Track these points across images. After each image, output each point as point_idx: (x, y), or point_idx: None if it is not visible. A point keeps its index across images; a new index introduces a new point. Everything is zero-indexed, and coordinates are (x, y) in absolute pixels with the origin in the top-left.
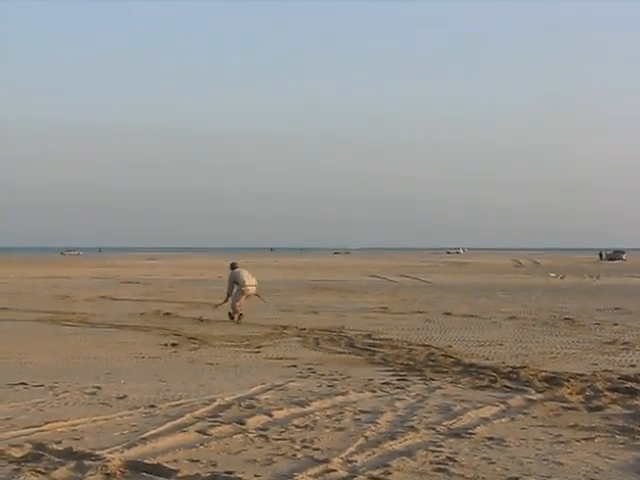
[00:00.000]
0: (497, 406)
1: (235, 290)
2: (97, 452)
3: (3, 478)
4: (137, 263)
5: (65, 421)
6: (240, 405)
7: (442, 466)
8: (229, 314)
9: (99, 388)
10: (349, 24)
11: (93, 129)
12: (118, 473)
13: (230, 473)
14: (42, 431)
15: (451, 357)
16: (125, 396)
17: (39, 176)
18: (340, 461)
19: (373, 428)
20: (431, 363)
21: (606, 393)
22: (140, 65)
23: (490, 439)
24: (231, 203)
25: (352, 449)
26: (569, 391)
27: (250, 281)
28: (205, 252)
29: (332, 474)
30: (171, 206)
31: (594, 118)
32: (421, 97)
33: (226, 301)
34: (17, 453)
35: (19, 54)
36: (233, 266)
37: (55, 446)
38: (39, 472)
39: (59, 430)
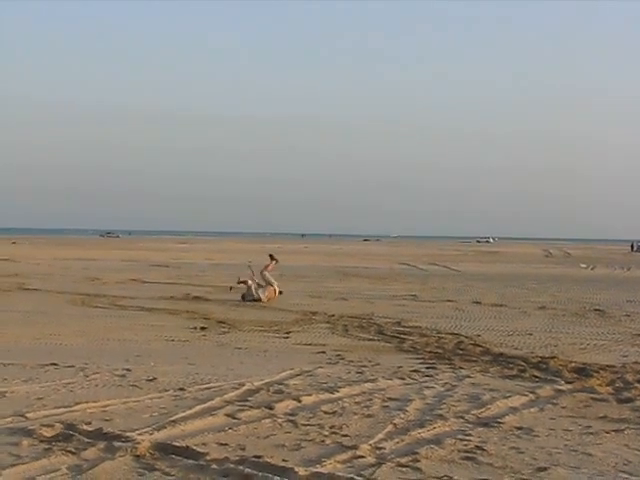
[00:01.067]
0: (526, 396)
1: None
2: (127, 433)
3: (35, 457)
4: (168, 247)
5: (95, 402)
6: (269, 390)
7: (470, 455)
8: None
9: (129, 370)
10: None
11: (125, 113)
12: (147, 455)
13: (259, 457)
14: (72, 412)
15: (480, 346)
16: (155, 378)
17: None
18: (368, 448)
19: (402, 416)
20: (460, 352)
21: (636, 385)
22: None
23: (519, 429)
24: (263, 188)
25: (380, 436)
26: (598, 382)
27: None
28: (236, 237)
29: (360, 460)
30: (203, 190)
31: (626, 110)
32: (446, 85)
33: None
34: (48, 433)
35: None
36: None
37: (85, 427)
38: (69, 452)
39: (89, 411)
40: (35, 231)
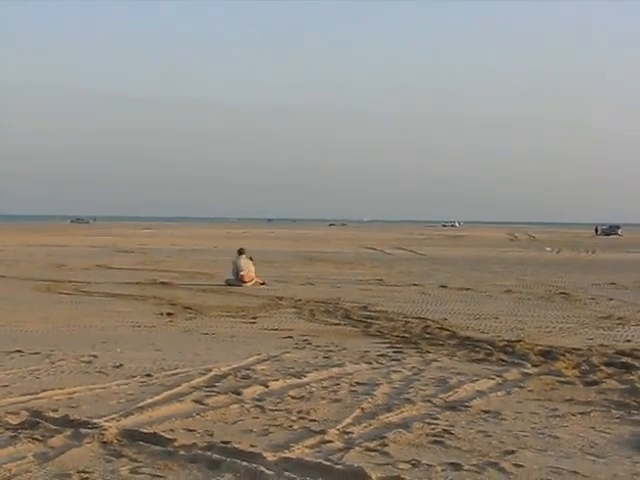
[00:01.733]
0: (493, 379)
1: (234, 277)
2: (94, 420)
3: (0, 445)
4: (133, 232)
5: (62, 389)
6: (236, 375)
7: (438, 438)
8: (226, 281)
9: (95, 356)
10: None
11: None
12: (115, 441)
13: (226, 443)
14: (39, 399)
15: (447, 330)
16: (121, 365)
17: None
18: (336, 432)
19: (369, 400)
20: (427, 336)
21: (602, 368)
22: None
23: (486, 412)
24: (229, 172)
25: (348, 421)
26: (565, 365)
27: (247, 276)
28: (202, 222)
29: (328, 445)
30: (169, 176)
31: (600, 94)
32: (425, 68)
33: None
34: (14, 420)
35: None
36: (239, 252)
37: (52, 414)
38: (36, 439)
39: (55, 398)
40: (1, 217)
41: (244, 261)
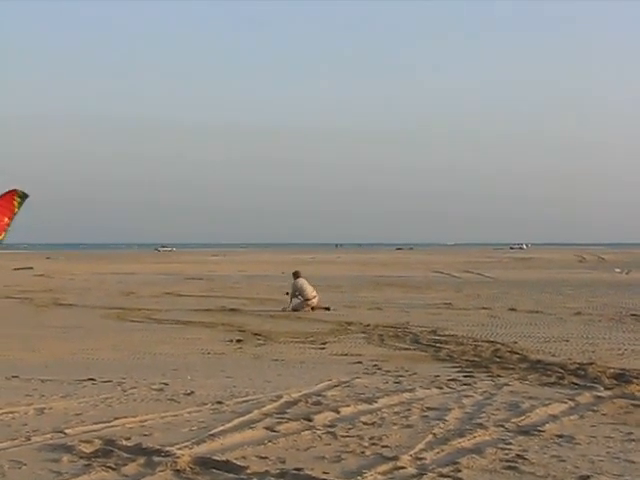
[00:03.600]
0: (565, 403)
1: (299, 301)
2: (166, 448)
3: (74, 473)
4: (201, 259)
5: (134, 417)
6: (307, 401)
7: (512, 464)
8: (292, 307)
9: (166, 384)
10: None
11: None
12: (188, 469)
13: (299, 470)
14: (111, 427)
15: (517, 353)
16: (192, 392)
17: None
18: (409, 458)
19: (441, 425)
20: (497, 359)
21: None
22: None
23: (559, 437)
24: (294, 198)
25: (421, 446)
26: (638, 388)
27: (313, 294)
28: (269, 248)
29: (401, 471)
30: (234, 202)
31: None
32: (488, 89)
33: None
34: (87, 449)
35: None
36: (296, 275)
37: (124, 442)
38: (109, 468)
39: (128, 426)
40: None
41: (305, 282)
